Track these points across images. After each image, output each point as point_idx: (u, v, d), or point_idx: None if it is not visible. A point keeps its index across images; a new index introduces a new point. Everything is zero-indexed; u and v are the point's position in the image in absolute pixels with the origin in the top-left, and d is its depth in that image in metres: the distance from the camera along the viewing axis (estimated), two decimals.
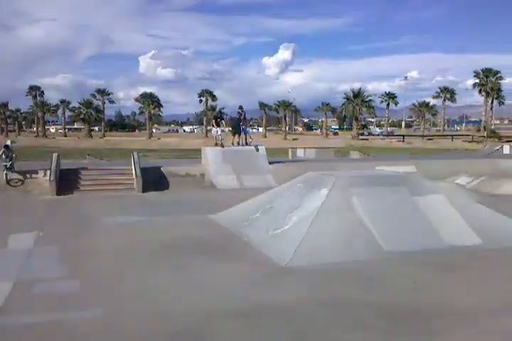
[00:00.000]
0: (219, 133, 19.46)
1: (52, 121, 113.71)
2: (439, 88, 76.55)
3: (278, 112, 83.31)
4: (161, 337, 4.71)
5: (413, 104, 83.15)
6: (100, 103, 79.48)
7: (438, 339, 4.60)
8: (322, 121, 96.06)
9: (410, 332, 4.78)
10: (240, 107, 20.04)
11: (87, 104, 77.08)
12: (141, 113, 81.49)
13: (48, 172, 14.93)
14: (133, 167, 16.07)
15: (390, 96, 77.15)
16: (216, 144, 19.16)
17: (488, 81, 63.01)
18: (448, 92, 75.36)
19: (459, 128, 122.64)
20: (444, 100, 76.17)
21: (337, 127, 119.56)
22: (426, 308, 5.38)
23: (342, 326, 4.93)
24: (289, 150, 26.58)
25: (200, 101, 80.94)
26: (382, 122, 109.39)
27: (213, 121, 20.60)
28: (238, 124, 19.58)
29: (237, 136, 19.55)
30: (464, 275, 6.65)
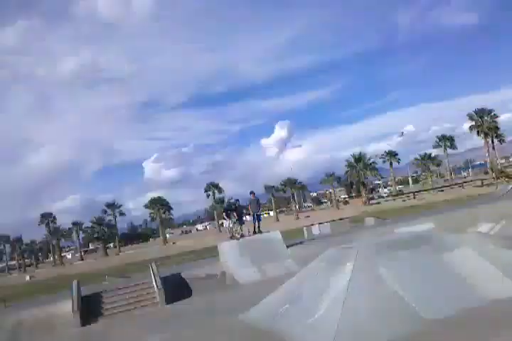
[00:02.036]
0: (231, 225, 19.34)
1: (68, 246, 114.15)
2: (437, 137, 76.24)
3: (285, 192, 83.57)
4: None
5: (415, 159, 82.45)
6: (112, 217, 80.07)
7: None
8: (330, 193, 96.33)
9: None
10: (252, 192, 19.99)
11: (99, 222, 77.70)
12: (153, 219, 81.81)
13: (70, 302, 14.61)
14: (153, 279, 15.78)
15: (392, 155, 77.23)
16: (231, 237, 18.95)
17: (483, 121, 63.37)
18: (447, 140, 75.12)
19: (466, 174, 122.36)
20: (445, 149, 75.57)
21: (345, 196, 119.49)
22: None
23: None
24: (304, 229, 26.32)
25: (208, 195, 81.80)
26: (389, 182, 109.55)
27: (224, 213, 20.46)
28: (238, 214, 19.47)
29: (240, 226, 19.35)
30: None
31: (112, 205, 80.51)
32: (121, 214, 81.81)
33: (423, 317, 7.15)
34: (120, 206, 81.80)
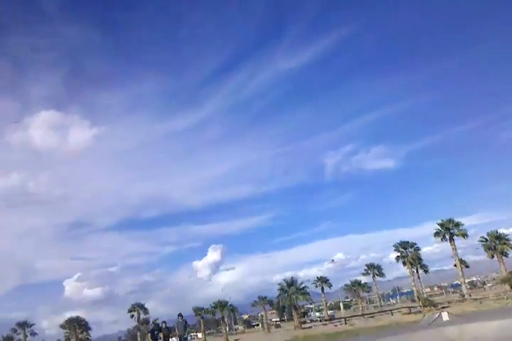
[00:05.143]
0: None
1: None
2: (366, 265, 79.58)
3: (214, 314, 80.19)
4: None
5: (346, 285, 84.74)
6: (22, 337, 73.55)
7: None
8: (262, 316, 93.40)
9: None
10: (180, 315, 19.54)
11: None
12: (67, 340, 75.06)
13: None
14: None
15: (323, 280, 78.40)
16: None
17: (407, 252, 67.05)
18: (375, 268, 78.46)
19: (394, 302, 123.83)
20: (374, 276, 78.71)
21: (277, 319, 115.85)
22: None
23: None
24: None
25: (132, 316, 77.06)
26: (321, 307, 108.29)
27: (149, 334, 19.52)
28: (164, 335, 18.89)
29: None
30: None
31: (23, 324, 75.10)
32: (33, 334, 75.87)
33: None
34: (32, 325, 76.21)
